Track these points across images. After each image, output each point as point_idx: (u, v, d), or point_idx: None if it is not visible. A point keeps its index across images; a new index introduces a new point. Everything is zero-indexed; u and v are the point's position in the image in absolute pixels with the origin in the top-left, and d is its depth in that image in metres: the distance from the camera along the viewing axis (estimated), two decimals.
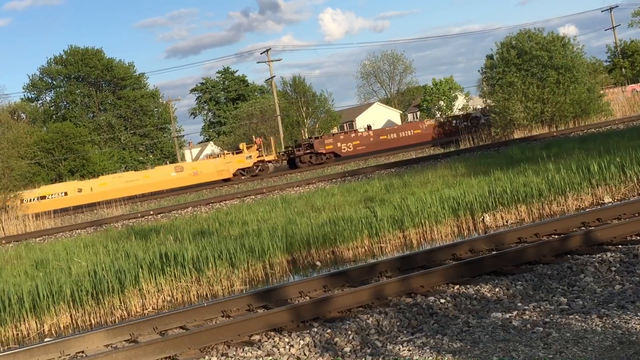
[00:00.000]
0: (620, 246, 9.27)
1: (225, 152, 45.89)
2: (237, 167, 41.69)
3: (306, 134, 63.03)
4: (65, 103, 78.19)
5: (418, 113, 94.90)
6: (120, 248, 15.35)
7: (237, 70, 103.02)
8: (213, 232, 15.69)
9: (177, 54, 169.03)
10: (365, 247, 12.99)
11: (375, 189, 19.33)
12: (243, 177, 40.52)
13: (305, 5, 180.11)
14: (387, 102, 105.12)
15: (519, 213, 13.81)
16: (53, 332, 10.61)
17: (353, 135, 44.80)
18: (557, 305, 7.35)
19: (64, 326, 10.74)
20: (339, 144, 43.56)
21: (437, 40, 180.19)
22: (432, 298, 8.05)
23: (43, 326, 10.66)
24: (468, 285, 8.42)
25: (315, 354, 6.96)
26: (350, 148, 43.66)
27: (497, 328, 6.85)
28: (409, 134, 45.05)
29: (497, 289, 8.16)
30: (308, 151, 43.08)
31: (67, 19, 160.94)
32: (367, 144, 43.91)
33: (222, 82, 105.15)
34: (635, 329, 6.21)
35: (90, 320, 10.87)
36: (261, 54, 62.64)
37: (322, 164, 41.99)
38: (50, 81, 77.94)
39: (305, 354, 6.99)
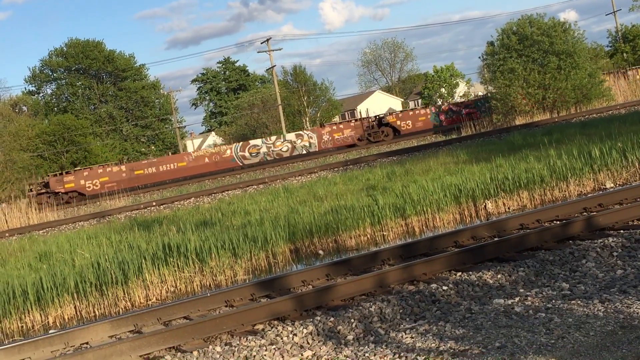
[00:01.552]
0: (622, 231, 9.27)
1: None
2: None
3: (308, 123, 63.03)
4: (66, 95, 78.14)
5: (419, 100, 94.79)
6: (123, 239, 15.39)
7: (237, 60, 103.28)
8: (216, 223, 15.72)
9: (178, 44, 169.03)
10: (368, 236, 13.01)
11: (377, 177, 19.34)
12: None
13: None
14: (389, 90, 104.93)
15: (520, 199, 13.81)
16: (57, 323, 10.65)
17: (101, 170, 38.27)
18: (559, 290, 7.37)
19: (68, 318, 10.78)
20: (82, 182, 37.19)
21: (437, 27, 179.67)
22: (434, 285, 8.07)
23: (47, 318, 10.71)
24: (470, 272, 8.44)
25: (319, 342, 6.99)
26: (97, 186, 37.36)
27: (500, 314, 6.87)
28: (172, 167, 39.03)
29: (499, 276, 8.17)
30: (43, 191, 36.57)
31: (66, 11, 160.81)
32: (118, 180, 37.85)
33: (222, 73, 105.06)
34: (637, 313, 6.22)
35: (94, 312, 10.91)
36: (261, 43, 62.48)
37: (67, 203, 35.83)
38: (51, 73, 77.88)
39: (308, 342, 7.02)
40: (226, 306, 8.97)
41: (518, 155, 17.53)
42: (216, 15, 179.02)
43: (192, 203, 23.84)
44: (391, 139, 41.57)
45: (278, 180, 26.45)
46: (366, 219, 13.05)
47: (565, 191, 13.89)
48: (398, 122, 42.58)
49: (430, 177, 16.36)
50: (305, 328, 7.30)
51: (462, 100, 62.74)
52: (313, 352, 6.68)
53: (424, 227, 13.29)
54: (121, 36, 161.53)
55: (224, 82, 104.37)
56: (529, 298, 7.26)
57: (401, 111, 46.09)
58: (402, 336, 6.68)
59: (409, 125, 42.80)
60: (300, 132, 43.52)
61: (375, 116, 43.88)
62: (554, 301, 7.01)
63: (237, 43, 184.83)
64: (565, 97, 37.09)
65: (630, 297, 6.71)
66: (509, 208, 13.67)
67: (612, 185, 13.99)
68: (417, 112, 44.00)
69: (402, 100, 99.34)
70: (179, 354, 7.28)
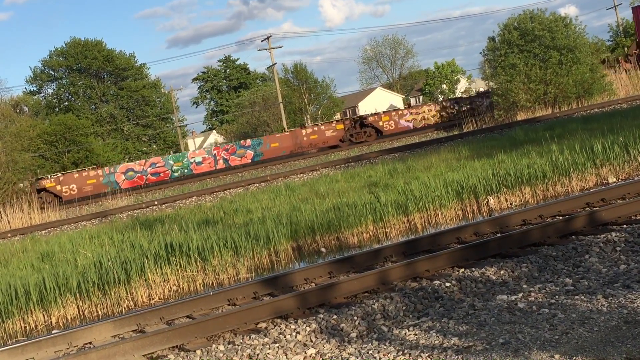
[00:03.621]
0: (625, 226, 9.24)
1: None
2: None
3: (309, 121, 62.99)
4: (67, 95, 78.14)
5: (421, 97, 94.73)
6: (125, 239, 15.37)
7: (238, 59, 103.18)
8: (218, 221, 15.70)
9: (178, 43, 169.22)
10: (370, 233, 12.99)
11: (379, 174, 19.31)
12: None
13: None
14: (390, 86, 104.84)
15: (523, 195, 13.79)
16: (60, 324, 10.65)
17: None
18: (562, 286, 7.35)
19: (71, 318, 10.78)
20: None
21: (438, 23, 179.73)
22: (437, 282, 8.06)
23: (50, 318, 10.71)
24: (473, 269, 8.42)
25: (322, 340, 6.97)
26: None
27: (503, 310, 6.85)
28: None
29: (502, 272, 8.16)
30: None
31: (67, 11, 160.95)
32: None
33: (223, 71, 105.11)
34: None
35: (97, 312, 10.91)
36: (262, 41, 62.54)
37: None
38: (52, 73, 77.86)
39: (312, 340, 7.00)
40: (229, 305, 8.96)
41: (520, 150, 17.50)
42: (216, 14, 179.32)
43: (194, 202, 23.82)
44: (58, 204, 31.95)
45: (280, 178, 26.43)
46: (368, 216, 13.04)
47: (567, 186, 13.87)
48: (59, 187, 33.68)
49: (432, 174, 16.34)
50: (309, 326, 7.29)
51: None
52: (316, 350, 6.67)
53: (426, 224, 13.28)
54: (122, 36, 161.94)
55: (224, 81, 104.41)
56: (532, 294, 7.24)
57: (63, 173, 36.23)
58: (405, 333, 6.67)
59: (74, 190, 33.41)
60: None
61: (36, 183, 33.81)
62: (557, 297, 6.99)
63: (237, 41, 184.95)
64: (567, 92, 37.02)
65: (633, 292, 6.69)
66: (511, 204, 13.65)
67: (614, 180, 13.96)
68: (84, 174, 34.75)
69: (404, 97, 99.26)
70: (182, 353, 7.27)
